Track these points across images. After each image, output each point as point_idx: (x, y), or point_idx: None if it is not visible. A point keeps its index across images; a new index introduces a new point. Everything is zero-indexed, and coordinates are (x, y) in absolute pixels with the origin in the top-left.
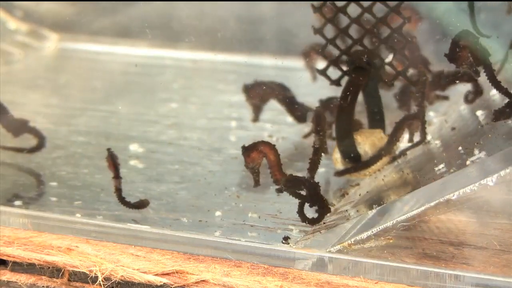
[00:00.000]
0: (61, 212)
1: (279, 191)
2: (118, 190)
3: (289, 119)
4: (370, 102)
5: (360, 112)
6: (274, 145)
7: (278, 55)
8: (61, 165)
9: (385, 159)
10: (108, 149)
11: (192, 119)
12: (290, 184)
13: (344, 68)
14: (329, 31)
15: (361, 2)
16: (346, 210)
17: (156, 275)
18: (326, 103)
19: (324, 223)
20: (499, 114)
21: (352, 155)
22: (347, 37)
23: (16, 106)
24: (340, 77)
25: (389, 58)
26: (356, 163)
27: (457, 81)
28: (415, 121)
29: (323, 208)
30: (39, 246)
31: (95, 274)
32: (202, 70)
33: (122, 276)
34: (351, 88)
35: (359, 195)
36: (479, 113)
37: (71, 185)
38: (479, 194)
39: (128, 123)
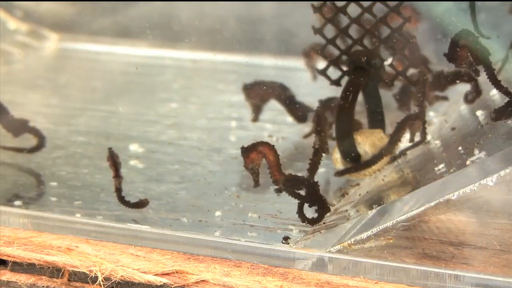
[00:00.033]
0: (61, 212)
1: (278, 191)
2: (118, 190)
3: (289, 119)
4: (370, 102)
5: (360, 112)
6: (273, 146)
7: (278, 55)
8: (61, 165)
9: (385, 159)
10: (109, 149)
11: (192, 119)
12: (289, 184)
13: (344, 68)
14: (329, 31)
15: (361, 2)
16: (346, 210)
17: (156, 275)
18: (326, 103)
19: (324, 223)
20: (499, 114)
21: (352, 155)
22: (347, 37)
23: (16, 106)
24: (340, 77)
25: (389, 61)
26: (356, 163)
27: (457, 81)
28: (417, 121)
29: (323, 208)
30: (39, 246)
31: (95, 274)
32: (202, 70)
33: (122, 276)
34: (351, 88)
35: (359, 195)
36: (479, 113)
37: (71, 185)
38: (479, 194)
39: (128, 123)
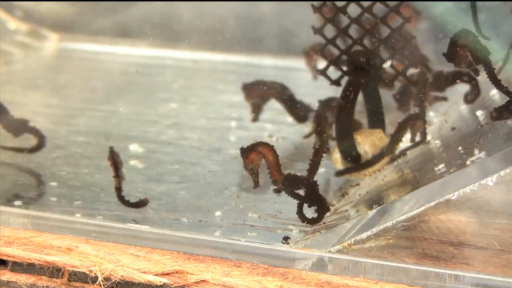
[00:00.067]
0: (61, 212)
1: (277, 191)
2: (118, 189)
3: (289, 119)
4: (370, 102)
5: (360, 112)
6: (272, 146)
7: (278, 55)
8: (61, 165)
9: (385, 159)
10: (111, 148)
11: (192, 119)
12: (288, 183)
13: (344, 68)
14: (329, 31)
15: (361, 2)
16: (346, 210)
17: (156, 275)
18: (326, 103)
19: (324, 223)
20: (499, 113)
21: (352, 155)
22: (347, 37)
23: (16, 106)
24: (340, 77)
25: (387, 64)
26: (356, 163)
27: (457, 81)
28: (418, 121)
29: (322, 207)
30: (39, 246)
31: (95, 274)
32: (202, 70)
33: (122, 276)
34: (351, 88)
35: (359, 195)
36: (479, 113)
37: (71, 185)
38: (479, 194)
39: (128, 123)
